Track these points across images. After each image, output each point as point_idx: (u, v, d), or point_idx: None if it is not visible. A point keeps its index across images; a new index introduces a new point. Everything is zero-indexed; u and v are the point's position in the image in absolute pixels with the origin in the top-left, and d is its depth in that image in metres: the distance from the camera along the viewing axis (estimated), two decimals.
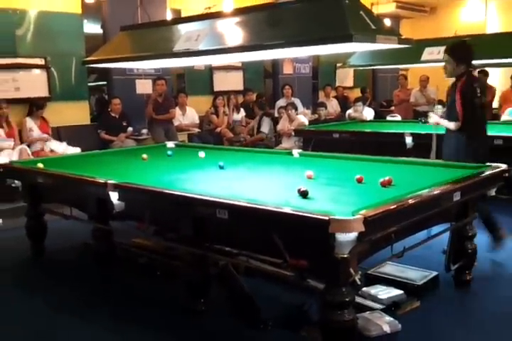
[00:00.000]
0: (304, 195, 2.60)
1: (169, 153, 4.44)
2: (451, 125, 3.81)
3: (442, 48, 5.49)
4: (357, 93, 10.43)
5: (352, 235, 2.08)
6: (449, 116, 3.86)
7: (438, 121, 3.99)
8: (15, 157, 5.58)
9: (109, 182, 3.10)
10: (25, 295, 3.44)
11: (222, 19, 3.55)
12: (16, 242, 4.32)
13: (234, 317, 2.89)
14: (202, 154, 4.21)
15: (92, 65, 4.80)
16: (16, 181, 4.15)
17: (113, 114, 6.99)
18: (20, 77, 6.40)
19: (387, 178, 2.81)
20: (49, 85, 6.63)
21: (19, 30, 6.38)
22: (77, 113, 6.90)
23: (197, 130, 7.81)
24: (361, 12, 2.87)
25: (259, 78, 9.67)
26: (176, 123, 7.47)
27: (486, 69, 8.08)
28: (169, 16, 7.49)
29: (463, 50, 3.89)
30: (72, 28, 6.82)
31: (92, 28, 8.49)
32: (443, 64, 3.93)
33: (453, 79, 3.92)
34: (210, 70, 8.55)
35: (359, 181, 2.92)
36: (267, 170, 3.64)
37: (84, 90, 7.15)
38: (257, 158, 4.20)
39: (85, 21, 7.35)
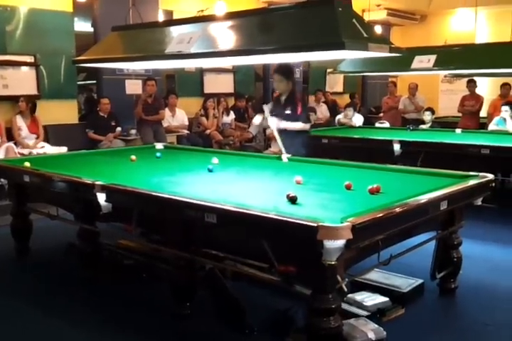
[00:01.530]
0: (292, 200, 2.61)
1: (158, 154, 4.43)
2: (307, 126, 4.75)
3: (432, 57, 5.57)
4: (346, 99, 10.50)
5: (340, 242, 2.09)
6: (295, 120, 4.67)
7: (285, 126, 4.67)
8: (1, 155, 5.54)
9: (97, 183, 3.09)
10: (7, 295, 3.40)
11: (214, 22, 3.54)
12: (0, 241, 4.27)
13: (220, 322, 2.89)
14: (215, 160, 3.94)
15: (82, 65, 4.78)
16: (2, 179, 4.11)
17: (101, 114, 6.95)
18: (9, 74, 6.36)
19: (375, 186, 2.83)
20: (38, 83, 6.59)
21: (9, 27, 6.34)
22: (65, 112, 6.86)
23: (186, 132, 7.81)
24: (353, 20, 2.89)
25: (250, 81, 9.69)
26: (165, 124, 7.46)
27: (474, 78, 8.19)
28: (161, 17, 7.48)
29: (289, 70, 4.81)
30: (63, 26, 6.79)
31: (83, 26, 8.45)
32: (277, 83, 4.75)
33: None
34: (201, 72, 8.56)
35: (348, 188, 2.94)
36: (255, 174, 3.65)
37: (73, 89, 7.11)
38: (246, 161, 4.20)
39: (76, 19, 7.30)
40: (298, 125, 4.66)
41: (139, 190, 2.93)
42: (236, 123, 8.44)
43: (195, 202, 2.60)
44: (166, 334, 2.85)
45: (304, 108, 4.76)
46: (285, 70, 4.71)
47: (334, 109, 9.80)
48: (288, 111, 4.70)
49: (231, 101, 8.71)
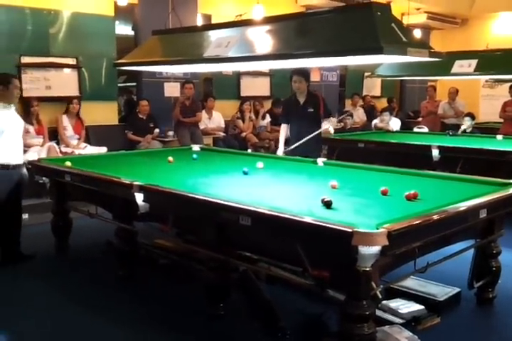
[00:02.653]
0: (327, 205, 2.60)
1: (194, 156, 4.49)
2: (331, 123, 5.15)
3: (473, 61, 5.46)
4: (384, 103, 10.37)
5: (375, 248, 2.07)
6: (317, 122, 4.98)
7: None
8: (43, 154, 5.68)
9: (135, 183, 3.15)
10: (46, 291, 3.50)
11: (252, 27, 3.57)
12: (41, 238, 4.40)
13: (252, 324, 2.90)
14: (260, 164, 3.94)
15: (123, 68, 4.88)
16: (44, 178, 4.23)
17: (141, 115, 7.08)
18: (52, 76, 6.52)
19: (412, 192, 2.79)
20: (79, 85, 6.74)
21: (52, 30, 6.50)
22: (105, 113, 7.01)
23: (222, 134, 7.87)
24: (392, 24, 2.87)
25: (286, 84, 9.64)
26: (201, 126, 7.54)
27: None
28: (200, 21, 7.56)
29: (307, 71, 5.20)
30: (105, 29, 6.93)
31: (124, 29, 8.61)
32: (298, 84, 4.99)
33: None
34: (238, 75, 8.61)
35: (384, 193, 2.91)
36: (291, 177, 3.65)
37: (113, 91, 7.25)
38: (281, 165, 4.21)
39: (117, 23, 7.45)
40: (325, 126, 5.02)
41: (176, 191, 2.98)
42: (272, 126, 8.45)
43: (230, 204, 2.62)
44: (200, 334, 2.87)
45: (325, 106, 5.05)
46: (304, 71, 5.03)
47: (371, 113, 9.69)
48: (310, 110, 4.95)
49: (267, 105, 8.72)
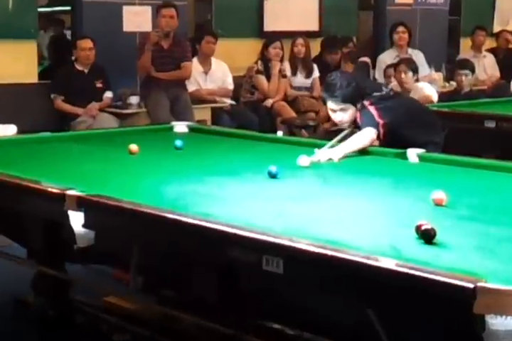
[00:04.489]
0: (427, 236, 2.60)
1: (178, 143, 4.52)
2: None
3: None
4: None
5: None
6: None
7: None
8: None
9: (70, 193, 3.18)
10: None
11: None
12: None
13: None
14: (304, 161, 4.04)
15: None
16: None
17: (79, 67, 7.19)
18: None
19: None
20: None
21: None
22: (15, 62, 7.10)
23: (229, 102, 7.92)
24: None
25: (349, 10, 9.70)
26: (191, 87, 7.60)
27: None
28: None
29: (359, 92, 4.85)
30: None
31: None
32: (339, 114, 4.79)
33: None
34: None
35: None
36: (358, 183, 3.69)
37: (29, 21, 7.36)
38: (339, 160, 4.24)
39: None
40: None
41: (145, 209, 3.00)
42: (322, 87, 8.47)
43: (244, 233, 2.64)
44: None
45: (364, 117, 4.84)
46: (352, 94, 4.77)
47: (510, 64, 9.65)
48: None
49: (315, 47, 8.73)
